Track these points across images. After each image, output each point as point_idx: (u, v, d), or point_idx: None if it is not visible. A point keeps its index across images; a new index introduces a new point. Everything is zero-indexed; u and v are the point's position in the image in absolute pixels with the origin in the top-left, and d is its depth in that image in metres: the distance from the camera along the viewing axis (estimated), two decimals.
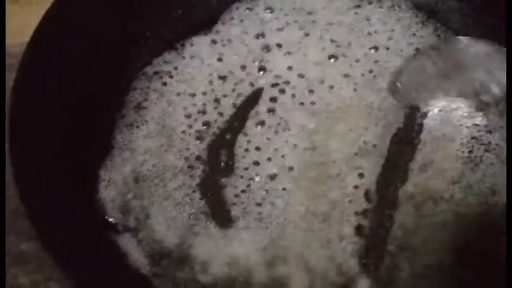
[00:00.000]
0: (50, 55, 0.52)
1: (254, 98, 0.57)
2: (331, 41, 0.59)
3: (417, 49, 0.59)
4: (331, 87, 0.57)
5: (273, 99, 0.57)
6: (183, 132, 0.55)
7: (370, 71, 0.58)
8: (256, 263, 0.49)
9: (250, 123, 0.56)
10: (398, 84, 0.56)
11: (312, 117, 0.56)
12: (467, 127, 0.55)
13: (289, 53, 0.59)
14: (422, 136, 0.55)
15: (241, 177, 0.53)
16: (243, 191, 0.52)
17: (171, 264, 0.49)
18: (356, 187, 0.52)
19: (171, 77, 0.58)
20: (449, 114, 0.56)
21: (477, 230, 0.51)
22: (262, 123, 0.56)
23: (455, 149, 0.54)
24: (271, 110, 0.56)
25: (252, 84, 0.57)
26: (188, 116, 0.56)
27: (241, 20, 0.60)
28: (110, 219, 0.51)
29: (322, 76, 0.58)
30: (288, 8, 0.61)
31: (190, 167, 0.54)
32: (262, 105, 0.56)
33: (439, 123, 0.55)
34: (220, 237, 0.50)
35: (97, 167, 0.53)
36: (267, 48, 0.59)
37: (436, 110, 0.56)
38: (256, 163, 0.54)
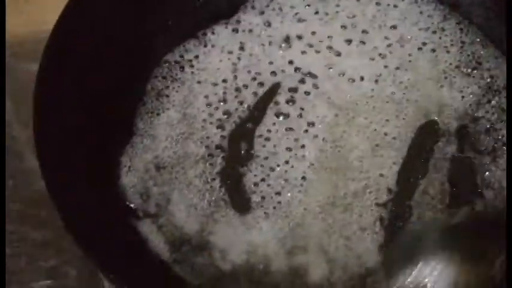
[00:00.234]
0: (72, 44, 0.52)
1: (275, 88, 0.57)
2: (353, 32, 0.59)
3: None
4: (352, 79, 0.57)
5: (294, 90, 0.57)
6: (204, 120, 0.55)
7: (392, 64, 0.58)
8: (275, 251, 0.50)
9: (270, 113, 0.56)
10: None
11: (332, 108, 0.56)
12: None
13: (310, 44, 0.59)
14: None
15: (261, 166, 0.53)
16: (263, 180, 0.53)
17: (190, 250, 0.50)
18: (376, 179, 0.53)
19: (192, 65, 0.58)
20: None
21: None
22: (282, 113, 0.56)
23: None
24: (291, 101, 0.56)
25: (273, 74, 0.58)
26: (209, 105, 0.56)
27: (263, 10, 0.60)
28: (131, 205, 0.52)
29: (343, 68, 0.58)
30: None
31: (211, 155, 0.54)
32: (283, 96, 0.57)
33: None
34: (240, 225, 0.51)
35: (119, 154, 0.54)
36: (288, 38, 0.59)
37: None
38: (276, 153, 0.54)
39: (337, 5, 0.61)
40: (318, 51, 0.58)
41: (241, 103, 0.56)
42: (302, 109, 0.56)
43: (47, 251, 0.53)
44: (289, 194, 0.52)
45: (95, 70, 0.53)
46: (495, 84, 0.57)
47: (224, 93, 0.57)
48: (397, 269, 0.49)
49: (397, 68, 0.58)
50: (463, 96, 0.56)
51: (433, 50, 0.58)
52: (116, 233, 0.49)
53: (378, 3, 0.60)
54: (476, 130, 0.55)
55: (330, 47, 0.59)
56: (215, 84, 0.57)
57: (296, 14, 0.60)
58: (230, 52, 0.58)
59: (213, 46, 0.59)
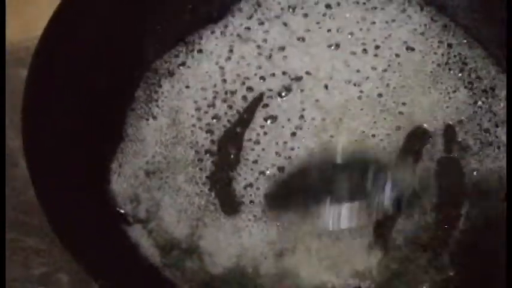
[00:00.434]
0: (61, 50, 0.52)
1: (263, 92, 0.57)
2: (340, 35, 0.59)
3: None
4: (340, 82, 0.57)
5: (282, 94, 0.57)
6: (193, 125, 0.56)
7: (379, 66, 0.58)
8: (264, 254, 0.50)
9: (259, 117, 0.56)
10: None
11: (320, 112, 0.56)
12: None
13: (298, 48, 0.59)
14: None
15: (251, 169, 0.54)
16: (252, 184, 0.53)
17: (180, 254, 0.51)
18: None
19: (180, 71, 0.58)
20: None
21: None
22: (271, 117, 0.56)
23: None
24: (279, 105, 0.57)
25: (261, 78, 0.58)
26: (198, 109, 0.56)
27: (251, 15, 0.61)
28: (121, 211, 0.52)
29: (330, 71, 0.58)
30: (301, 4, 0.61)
31: (200, 159, 0.54)
32: (271, 100, 0.57)
33: None
34: (229, 229, 0.51)
35: (108, 160, 0.54)
36: (276, 42, 0.59)
37: None
38: (265, 156, 0.54)
39: (325, 7, 0.61)
40: (305, 55, 0.59)
41: (230, 107, 0.57)
42: (290, 113, 0.56)
43: (39, 258, 0.53)
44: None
45: (84, 76, 0.53)
46: (482, 84, 0.57)
47: (213, 97, 0.57)
48: (386, 270, 0.50)
49: (385, 70, 0.58)
50: (450, 97, 0.57)
51: (420, 52, 0.59)
52: (106, 238, 0.49)
53: (364, 6, 0.61)
54: (463, 131, 0.55)
55: (317, 51, 0.59)
56: (204, 89, 0.57)
57: (287, 18, 0.60)
58: (219, 57, 0.59)
59: (201, 51, 0.59)
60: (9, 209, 0.54)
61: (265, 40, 0.59)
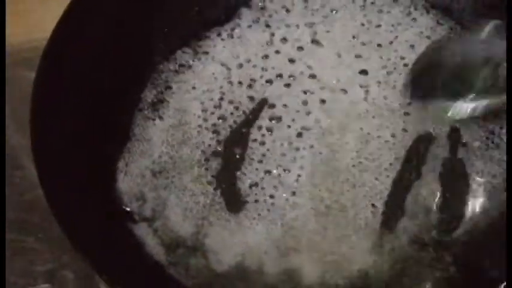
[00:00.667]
0: (69, 51, 0.53)
1: (270, 93, 0.58)
2: (346, 38, 0.60)
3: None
4: (346, 84, 0.58)
5: (288, 95, 0.58)
6: (199, 126, 0.56)
7: (385, 69, 0.58)
8: (269, 253, 0.51)
9: (265, 118, 0.57)
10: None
11: (326, 113, 0.56)
12: None
13: (302, 48, 0.59)
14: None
15: (256, 169, 0.54)
16: (257, 183, 0.53)
17: (186, 252, 0.51)
18: (370, 182, 0.53)
19: (187, 72, 0.59)
20: None
21: None
22: (276, 118, 0.56)
23: None
24: (285, 106, 0.57)
25: (267, 80, 0.58)
26: (204, 110, 0.57)
27: (257, 17, 0.61)
28: (128, 209, 0.52)
29: (337, 73, 0.58)
30: (302, 6, 0.62)
31: (206, 159, 0.55)
32: (277, 101, 0.57)
33: None
34: (234, 227, 0.52)
35: (115, 159, 0.54)
36: (282, 45, 0.60)
37: None
38: (270, 156, 0.55)
39: (332, 12, 0.61)
40: (311, 58, 0.59)
41: (236, 108, 0.57)
42: (296, 114, 0.57)
43: (44, 255, 0.54)
44: (283, 197, 0.53)
45: (92, 77, 0.54)
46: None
47: (219, 99, 0.58)
48: (390, 270, 0.50)
49: (391, 73, 0.58)
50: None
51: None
52: (112, 236, 0.49)
53: (370, 9, 0.61)
54: (468, 132, 0.55)
55: (323, 53, 0.59)
56: (210, 91, 0.58)
57: (292, 21, 0.61)
58: (225, 59, 0.59)
59: (208, 53, 0.60)
60: (11, 209, 0.55)
61: (271, 43, 0.60)
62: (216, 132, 0.56)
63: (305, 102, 0.57)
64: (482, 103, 0.53)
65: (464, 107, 0.53)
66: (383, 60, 0.59)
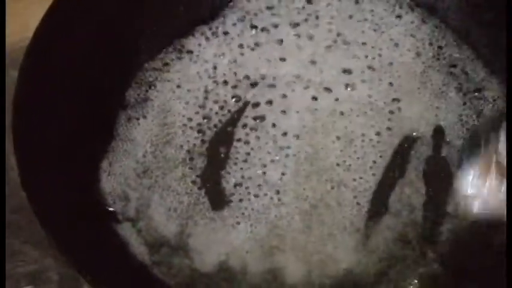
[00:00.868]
0: (52, 50, 0.53)
1: (254, 93, 0.58)
2: (331, 36, 0.60)
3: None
4: (331, 83, 0.58)
5: (272, 94, 0.58)
6: (184, 125, 0.56)
7: (370, 67, 0.58)
8: (253, 252, 0.50)
9: (249, 117, 0.56)
10: None
11: (311, 112, 0.57)
12: None
13: (289, 50, 0.59)
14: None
15: (241, 168, 0.54)
16: (241, 183, 0.53)
17: (170, 252, 0.51)
18: (354, 181, 0.53)
19: (172, 71, 0.59)
20: None
21: None
22: (261, 117, 0.56)
23: None
24: (270, 105, 0.57)
25: (252, 79, 0.58)
26: (189, 110, 0.57)
27: (243, 16, 0.61)
28: (111, 209, 0.52)
29: (321, 72, 0.58)
30: (291, 6, 0.62)
31: (191, 159, 0.55)
32: (262, 100, 0.57)
33: None
34: (218, 227, 0.52)
35: (99, 159, 0.54)
36: (267, 45, 0.60)
37: None
38: (255, 156, 0.55)
39: (316, 10, 0.61)
40: (295, 57, 0.59)
41: (221, 108, 0.57)
42: (281, 113, 0.57)
43: (28, 256, 0.53)
44: (267, 196, 0.53)
45: (75, 75, 0.53)
46: (471, 85, 0.58)
47: (204, 98, 0.57)
48: (375, 268, 0.50)
49: (375, 71, 0.58)
50: (439, 98, 0.57)
51: (410, 52, 0.59)
52: (96, 236, 0.49)
53: (355, 7, 0.61)
54: (451, 131, 0.56)
55: (308, 52, 0.59)
56: (195, 90, 0.58)
57: (277, 20, 0.61)
58: (210, 58, 0.59)
59: (192, 52, 0.59)
60: None
61: (256, 43, 0.60)
62: (200, 131, 0.56)
63: (290, 102, 0.57)
64: None
65: None
66: (367, 59, 0.59)
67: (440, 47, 0.59)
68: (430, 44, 0.60)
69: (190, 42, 0.60)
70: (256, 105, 0.57)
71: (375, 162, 0.54)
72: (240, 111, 0.57)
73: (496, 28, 0.57)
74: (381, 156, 0.55)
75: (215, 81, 0.58)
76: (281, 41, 0.60)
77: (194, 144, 0.55)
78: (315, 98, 0.57)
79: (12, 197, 0.54)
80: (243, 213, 0.52)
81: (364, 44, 0.60)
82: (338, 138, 0.55)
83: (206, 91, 0.58)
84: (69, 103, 0.53)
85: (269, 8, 0.62)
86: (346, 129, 0.56)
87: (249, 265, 0.50)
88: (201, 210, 0.52)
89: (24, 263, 0.53)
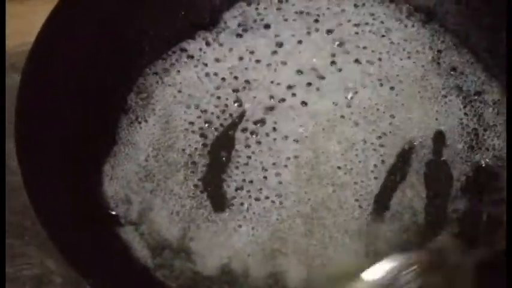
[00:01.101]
0: (54, 54, 0.53)
1: (254, 97, 0.58)
2: (330, 38, 0.60)
3: None
4: (331, 89, 0.58)
5: (273, 98, 0.58)
6: (186, 129, 0.56)
7: (370, 72, 0.59)
8: (254, 255, 0.51)
9: (250, 121, 0.57)
10: None
11: (313, 117, 0.57)
12: None
13: (290, 54, 0.60)
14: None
15: (242, 172, 0.54)
16: (243, 186, 0.54)
17: (172, 256, 0.51)
18: (355, 184, 0.54)
19: (173, 76, 0.59)
20: None
21: None
22: (262, 121, 0.57)
23: None
24: (271, 109, 0.57)
25: (253, 84, 0.58)
26: (190, 114, 0.57)
27: (244, 21, 0.61)
28: (114, 213, 0.52)
29: (322, 78, 0.58)
30: (291, 10, 0.62)
31: (193, 162, 0.55)
32: (263, 104, 0.57)
33: None
34: (220, 230, 0.52)
35: (101, 163, 0.54)
36: (268, 50, 0.60)
37: None
38: (256, 159, 0.55)
39: (316, 14, 0.62)
40: (296, 63, 0.59)
41: (222, 112, 0.57)
42: (282, 117, 0.57)
43: (31, 259, 0.53)
44: (269, 200, 0.53)
45: (77, 80, 0.54)
46: (471, 89, 0.58)
47: (206, 102, 0.58)
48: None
49: (375, 75, 0.58)
50: (439, 102, 0.57)
51: (410, 57, 0.59)
52: (98, 240, 0.49)
53: (355, 12, 0.61)
54: (452, 135, 0.56)
55: (308, 57, 0.59)
56: (196, 94, 0.58)
57: (278, 25, 0.61)
58: (211, 62, 0.59)
59: (193, 57, 0.60)
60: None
61: (256, 47, 0.60)
62: (202, 135, 0.56)
63: (291, 106, 0.57)
64: None
65: None
66: (367, 63, 0.59)
67: (440, 51, 0.60)
68: (430, 48, 0.60)
69: (191, 47, 0.60)
70: (257, 109, 0.57)
71: (376, 165, 0.55)
72: (241, 116, 0.57)
73: (495, 31, 0.57)
74: (381, 160, 0.55)
75: (216, 86, 0.58)
76: (281, 45, 0.60)
77: (196, 148, 0.55)
78: (315, 102, 0.57)
79: (15, 199, 0.54)
80: (244, 217, 0.52)
81: (364, 48, 0.60)
82: (339, 142, 0.56)
83: (207, 95, 0.58)
84: (71, 107, 0.53)
85: (269, 12, 0.62)
86: (346, 134, 0.56)
87: (251, 268, 0.51)
88: (203, 214, 0.53)
89: (29, 266, 0.53)
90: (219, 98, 0.58)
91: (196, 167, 0.55)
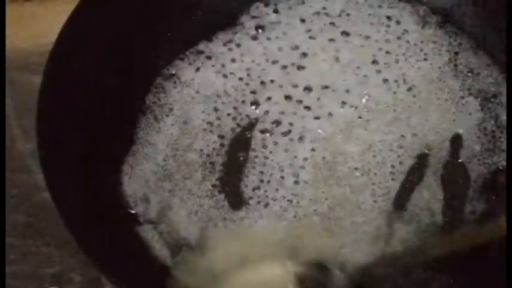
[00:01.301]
0: (75, 55, 0.53)
1: (271, 97, 0.58)
2: (347, 41, 0.60)
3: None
4: (348, 90, 0.58)
5: (290, 99, 0.58)
6: (204, 129, 0.57)
7: (386, 74, 0.59)
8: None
9: (268, 122, 0.57)
10: None
11: (330, 118, 0.57)
12: None
13: (307, 56, 0.60)
14: None
15: (260, 172, 0.55)
16: (260, 186, 0.54)
17: (190, 255, 0.51)
18: (373, 186, 0.54)
19: (191, 77, 0.59)
20: None
21: None
22: (279, 122, 0.57)
23: None
24: (288, 111, 0.57)
25: (269, 85, 0.59)
26: (208, 114, 0.57)
27: (262, 23, 0.61)
28: (133, 212, 0.53)
29: (340, 81, 0.59)
30: (308, 12, 0.62)
31: (210, 162, 0.55)
32: (280, 106, 0.58)
33: None
34: (238, 230, 0.52)
35: (120, 162, 0.55)
36: (284, 51, 0.60)
37: None
38: (273, 159, 0.55)
39: (332, 17, 0.62)
40: (314, 64, 0.60)
41: (239, 113, 0.58)
42: (299, 118, 0.57)
43: (51, 258, 0.54)
44: (285, 199, 0.53)
45: (97, 80, 0.54)
46: (488, 91, 0.58)
47: (223, 103, 0.58)
48: (393, 271, 0.50)
49: (392, 76, 0.59)
50: (456, 103, 0.58)
51: (427, 59, 0.59)
52: (118, 238, 0.50)
53: (372, 13, 0.61)
54: (469, 137, 0.56)
55: (325, 58, 0.60)
56: (214, 95, 0.58)
57: (296, 29, 0.61)
58: (228, 63, 0.60)
59: (211, 58, 0.60)
60: (19, 213, 0.55)
61: (273, 49, 0.60)
62: (219, 136, 0.56)
63: (307, 107, 0.58)
64: None
65: None
66: (385, 66, 0.59)
67: (456, 53, 0.60)
68: (447, 49, 0.60)
69: (209, 48, 0.60)
70: (275, 110, 0.57)
71: (393, 167, 0.55)
72: (258, 116, 0.57)
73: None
74: (399, 162, 0.55)
75: (233, 86, 0.59)
76: (297, 48, 0.60)
77: (213, 148, 0.56)
78: (332, 104, 0.58)
79: (34, 199, 0.55)
80: (262, 218, 0.53)
81: (380, 49, 0.60)
82: (356, 143, 0.56)
83: (224, 96, 0.58)
84: (91, 107, 0.54)
85: (286, 13, 0.62)
86: (364, 135, 0.56)
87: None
88: (220, 214, 0.53)
89: (48, 263, 0.54)
90: (236, 98, 0.58)
91: (214, 167, 0.55)
